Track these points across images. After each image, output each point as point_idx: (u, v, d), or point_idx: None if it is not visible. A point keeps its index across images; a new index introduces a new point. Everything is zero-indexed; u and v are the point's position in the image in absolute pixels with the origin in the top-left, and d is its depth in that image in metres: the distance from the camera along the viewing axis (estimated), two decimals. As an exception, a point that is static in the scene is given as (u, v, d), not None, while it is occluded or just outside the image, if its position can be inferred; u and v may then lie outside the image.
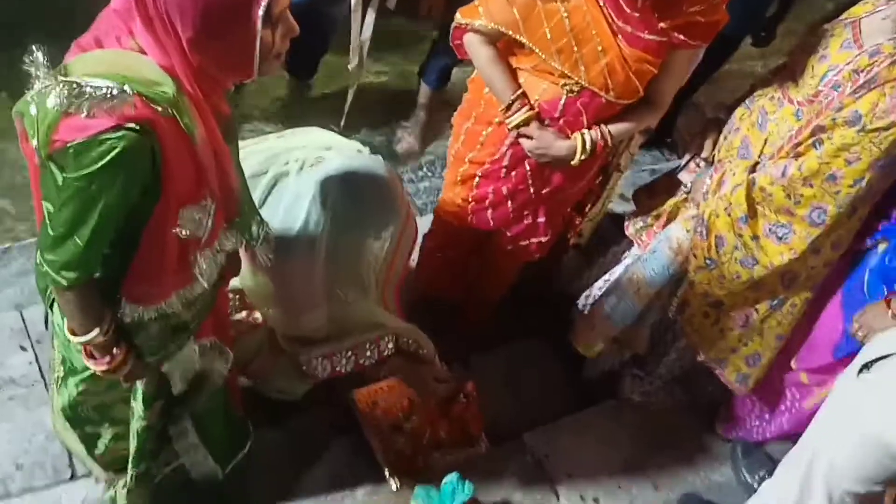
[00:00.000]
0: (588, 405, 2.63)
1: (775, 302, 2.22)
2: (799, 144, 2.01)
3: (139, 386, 1.80)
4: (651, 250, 2.36)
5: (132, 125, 1.33)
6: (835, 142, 1.91)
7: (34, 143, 1.39)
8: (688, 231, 2.26)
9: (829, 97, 1.94)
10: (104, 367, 1.64)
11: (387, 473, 2.33)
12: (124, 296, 1.59)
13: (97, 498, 2.18)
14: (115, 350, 1.64)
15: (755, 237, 2.12)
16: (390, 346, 2.23)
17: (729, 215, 2.14)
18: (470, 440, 2.46)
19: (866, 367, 1.61)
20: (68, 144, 1.33)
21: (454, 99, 3.83)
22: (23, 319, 2.57)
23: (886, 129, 1.86)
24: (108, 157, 1.33)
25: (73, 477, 2.26)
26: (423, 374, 2.33)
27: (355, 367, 2.23)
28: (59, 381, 1.91)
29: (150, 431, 1.91)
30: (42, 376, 2.42)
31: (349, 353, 2.22)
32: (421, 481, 2.24)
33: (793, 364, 2.32)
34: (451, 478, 2.16)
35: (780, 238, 2.08)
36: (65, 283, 1.48)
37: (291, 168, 2.06)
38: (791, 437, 2.42)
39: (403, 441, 2.37)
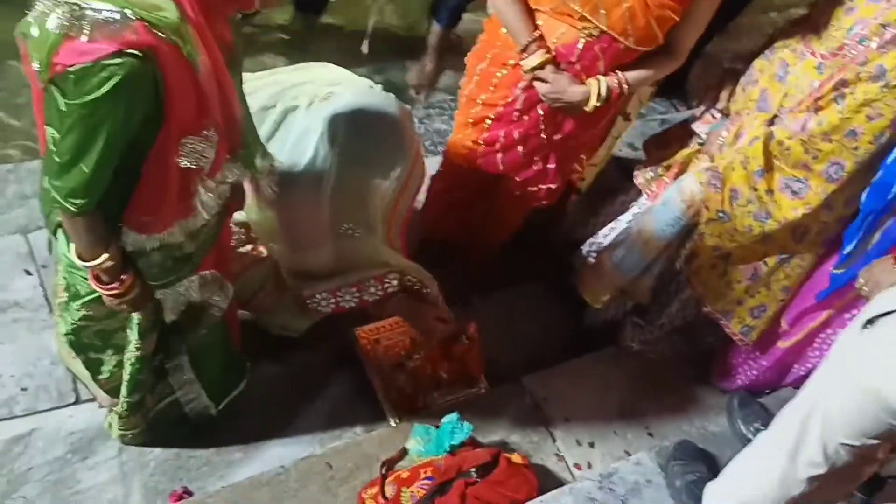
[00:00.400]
0: (588, 351, 2.65)
1: (785, 256, 2.22)
2: (820, 98, 1.98)
3: (134, 316, 1.81)
4: (662, 202, 2.34)
5: (134, 51, 1.32)
6: (857, 97, 1.88)
7: (35, 65, 1.37)
8: (701, 183, 2.24)
9: (855, 51, 1.90)
10: (113, 292, 1.65)
11: (386, 410, 2.36)
12: (126, 224, 1.60)
13: (99, 423, 2.21)
14: (123, 276, 1.65)
15: (770, 191, 2.10)
16: (394, 283, 2.24)
17: (745, 168, 2.13)
18: (470, 381, 2.48)
19: (870, 322, 1.61)
20: (69, 69, 1.32)
21: (465, 41, 3.82)
22: (28, 243, 2.57)
23: None
24: (110, 84, 1.32)
25: (76, 401, 2.28)
26: (426, 314, 2.33)
27: (359, 304, 2.23)
28: (62, 307, 1.92)
29: (144, 362, 1.93)
30: (47, 301, 2.42)
31: (353, 289, 2.21)
32: (420, 420, 2.26)
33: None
34: (450, 417, 2.18)
35: (794, 193, 2.07)
36: (73, 209, 1.48)
37: (301, 102, 2.03)
38: (772, 378, 2.50)
39: (404, 379, 2.39)
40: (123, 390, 1.99)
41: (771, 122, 2.11)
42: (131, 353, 1.90)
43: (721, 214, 2.21)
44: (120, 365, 2.00)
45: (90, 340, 1.96)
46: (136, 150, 1.47)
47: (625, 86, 2.22)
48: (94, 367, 2.04)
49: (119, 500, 2.08)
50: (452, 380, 2.46)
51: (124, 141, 1.43)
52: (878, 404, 1.57)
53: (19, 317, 2.41)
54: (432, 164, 2.83)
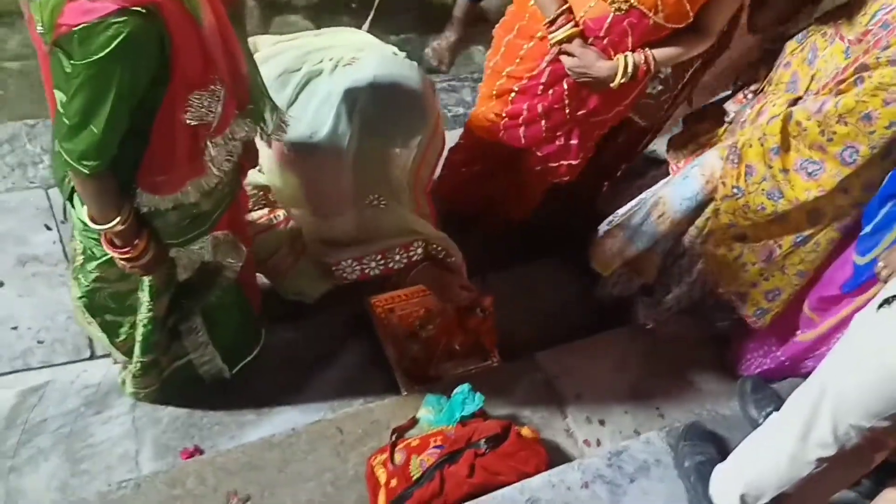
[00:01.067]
0: (602, 330, 2.64)
1: (799, 238, 2.19)
2: (842, 82, 1.96)
3: (146, 278, 1.82)
4: (683, 175, 2.33)
5: (138, 8, 1.32)
6: (874, 80, 1.87)
7: (39, 28, 1.37)
8: (721, 158, 2.23)
9: (878, 36, 1.89)
10: (125, 256, 1.66)
11: (398, 379, 2.37)
12: (140, 185, 1.60)
13: (114, 378, 2.23)
14: (136, 240, 1.65)
15: (784, 170, 2.09)
16: (419, 251, 2.24)
17: (762, 145, 2.11)
18: (482, 354, 2.49)
19: (887, 302, 1.60)
20: (74, 29, 1.32)
21: (490, 14, 3.79)
22: (48, 198, 2.59)
23: None
24: (116, 43, 1.32)
25: (92, 356, 2.31)
26: (450, 282, 2.33)
27: (384, 271, 2.24)
28: (77, 270, 1.93)
29: (156, 323, 1.95)
30: (65, 256, 2.44)
31: (378, 256, 2.22)
32: (431, 390, 2.27)
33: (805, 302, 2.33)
34: (462, 388, 2.18)
35: (809, 174, 2.05)
36: (86, 171, 1.48)
37: (325, 67, 2.02)
38: (786, 369, 2.48)
39: (417, 349, 2.40)
40: (136, 350, 2.01)
41: (794, 103, 2.09)
42: (143, 315, 1.92)
43: (736, 190, 2.19)
44: (134, 327, 2.01)
45: (104, 303, 1.97)
46: (144, 109, 1.47)
47: (652, 63, 2.19)
48: (110, 330, 2.05)
49: (130, 455, 2.10)
50: (465, 352, 2.47)
51: (133, 100, 1.43)
52: (893, 383, 1.56)
53: (38, 271, 2.43)
54: (451, 138, 2.84)
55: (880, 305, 1.62)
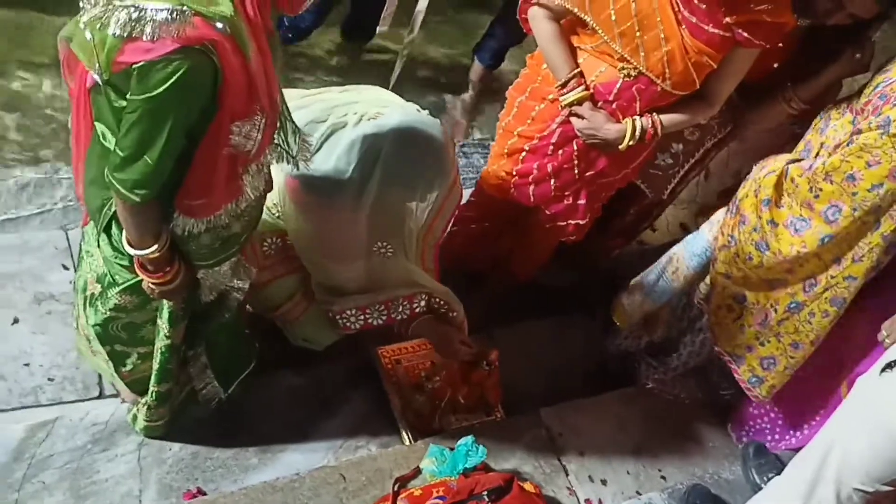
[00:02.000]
0: (606, 388, 2.66)
1: (793, 304, 2.22)
2: (839, 146, 2.04)
3: (166, 305, 1.87)
4: (694, 234, 2.39)
5: (195, 46, 1.39)
6: (860, 141, 1.94)
7: (95, 66, 1.44)
8: (726, 211, 2.29)
9: (875, 105, 1.96)
10: (158, 280, 1.71)
11: (402, 429, 2.38)
12: (177, 209, 1.66)
13: (121, 416, 2.25)
14: (168, 266, 1.71)
15: (772, 222, 2.14)
16: (422, 303, 2.27)
17: (756, 196, 2.17)
18: (486, 408, 2.50)
19: (889, 366, 1.63)
20: (133, 66, 1.39)
21: (504, 81, 3.90)
22: (67, 239, 2.65)
23: None
24: (175, 78, 1.40)
25: (100, 395, 2.34)
26: (451, 336, 2.36)
27: (387, 321, 2.27)
28: (93, 299, 1.97)
29: (174, 351, 1.99)
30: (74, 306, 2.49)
31: (381, 307, 2.26)
32: (435, 441, 2.28)
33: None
34: (466, 440, 2.20)
35: (796, 230, 2.10)
36: (138, 199, 1.55)
37: (350, 119, 2.09)
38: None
39: (423, 400, 2.42)
40: (154, 380, 2.04)
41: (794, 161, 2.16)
42: (162, 342, 1.96)
43: (730, 239, 2.25)
44: (144, 358, 2.05)
45: (117, 333, 2.01)
46: (190, 138, 1.54)
47: (659, 127, 2.26)
48: (118, 359, 2.08)
49: (134, 494, 2.11)
50: (469, 405, 2.48)
51: (185, 131, 1.50)
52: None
53: (53, 309, 2.47)
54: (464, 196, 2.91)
55: (883, 370, 1.65)
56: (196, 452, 2.22)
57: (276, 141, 1.77)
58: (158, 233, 1.66)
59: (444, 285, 2.38)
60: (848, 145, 1.98)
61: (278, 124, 1.75)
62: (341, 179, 2.02)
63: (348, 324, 2.28)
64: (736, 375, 2.43)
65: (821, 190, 2.02)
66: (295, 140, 1.84)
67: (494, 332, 2.72)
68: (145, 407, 2.15)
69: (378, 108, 2.11)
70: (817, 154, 2.14)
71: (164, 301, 1.86)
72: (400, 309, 2.28)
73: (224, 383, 2.22)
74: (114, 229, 1.74)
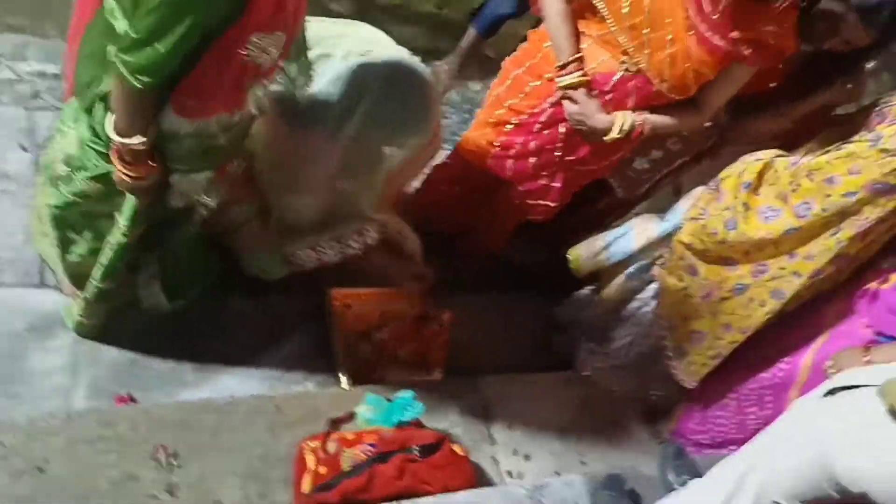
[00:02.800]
0: (547, 369, 2.70)
1: (739, 286, 2.28)
2: (829, 151, 2.13)
3: (131, 201, 1.83)
4: (675, 205, 2.46)
5: None
6: (849, 148, 2.03)
7: None
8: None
9: (871, 122, 2.07)
10: (132, 174, 1.67)
11: (341, 373, 2.38)
12: (171, 104, 1.62)
13: (59, 310, 2.19)
14: (147, 160, 1.67)
15: (746, 205, 2.21)
16: (374, 234, 2.25)
17: (739, 178, 2.24)
18: (427, 367, 2.52)
19: (832, 392, 1.70)
20: None
21: (495, 51, 3.88)
22: (29, 119, 2.55)
23: (893, 153, 1.97)
24: None
25: (41, 284, 2.27)
26: (401, 267, 2.37)
27: (341, 258, 2.26)
28: (57, 180, 1.92)
29: (126, 250, 1.94)
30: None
31: (333, 242, 2.23)
32: (373, 390, 2.28)
33: None
34: (405, 393, 2.20)
35: (766, 218, 2.18)
36: (139, 85, 1.51)
37: (336, 53, 2.04)
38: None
39: (368, 349, 2.42)
40: (97, 275, 1.99)
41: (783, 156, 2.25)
42: (116, 239, 1.91)
43: (702, 211, 2.31)
44: (93, 251, 2.01)
45: (74, 219, 1.97)
46: (206, 38, 1.50)
47: (647, 127, 2.29)
48: (66, 246, 2.04)
49: (64, 389, 2.07)
50: (412, 361, 2.50)
51: (203, 29, 1.46)
52: (821, 471, 1.65)
53: (6, 188, 2.39)
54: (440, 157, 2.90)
55: (825, 394, 1.72)
56: (133, 360, 2.19)
57: (283, 66, 1.74)
58: (147, 125, 1.62)
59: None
60: (836, 149, 2.06)
61: (293, 47, 1.72)
62: (322, 110, 1.98)
63: (301, 262, 2.25)
64: (665, 344, 2.50)
65: (799, 185, 2.11)
66: (299, 74, 1.81)
67: (450, 295, 2.73)
68: (83, 301, 2.09)
69: (369, 45, 2.07)
70: (805, 154, 2.22)
71: (130, 197, 1.82)
72: (352, 244, 2.25)
73: (170, 296, 2.18)
74: (98, 111, 1.69)
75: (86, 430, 1.87)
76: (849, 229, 2.10)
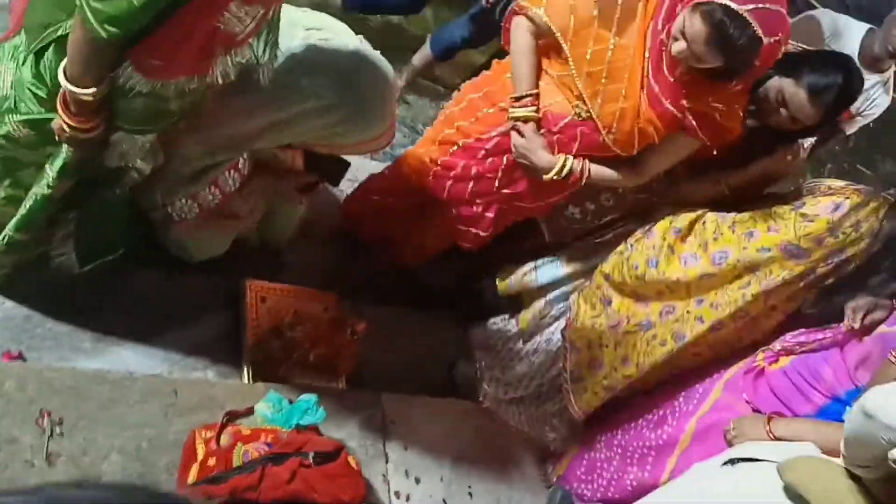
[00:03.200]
0: (448, 394, 2.70)
1: (645, 322, 2.39)
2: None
3: (63, 153, 1.74)
4: None
5: None
6: (773, 208, 2.21)
7: None
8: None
9: (800, 194, 2.29)
10: (77, 125, 1.60)
11: (245, 365, 2.32)
12: (130, 59, 1.55)
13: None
14: (91, 115, 1.60)
15: (671, 248, 2.34)
16: (248, 163, 2.17)
17: (670, 223, 2.37)
18: (332, 374, 2.47)
19: (731, 462, 1.76)
20: None
21: (442, 77, 3.91)
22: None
23: (811, 219, 2.15)
24: None
25: (-55, 222, 2.12)
26: (287, 182, 2.32)
27: (224, 198, 2.17)
28: None
29: (49, 203, 1.85)
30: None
31: (211, 187, 2.14)
32: (277, 388, 2.23)
33: None
34: (309, 397, 2.16)
35: (685, 263, 2.31)
36: (104, 35, 1.44)
37: (297, 32, 1.95)
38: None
39: (276, 346, 2.36)
40: (14, 224, 1.89)
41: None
42: (41, 190, 1.81)
43: (629, 247, 2.42)
44: (10, 200, 1.91)
45: None
46: None
47: (586, 174, 2.33)
48: None
49: (-52, 335, 1.94)
50: (317, 366, 2.44)
51: None
52: None
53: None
54: (372, 167, 2.90)
55: (724, 463, 1.78)
56: (30, 316, 2.07)
57: (251, 42, 1.70)
58: (102, 77, 1.55)
59: (330, 245, 2.32)
60: (763, 208, 2.22)
61: (266, 24, 1.68)
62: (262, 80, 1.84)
63: (183, 214, 2.16)
64: (564, 366, 2.56)
65: (721, 234, 2.26)
66: (266, 51, 1.77)
67: (362, 306, 2.70)
68: None
69: (331, 32, 2.00)
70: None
71: (62, 149, 1.73)
72: (230, 181, 2.16)
73: (81, 259, 2.08)
74: (49, 55, 1.60)
75: (-32, 382, 1.75)
76: (756, 285, 2.23)
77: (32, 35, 1.63)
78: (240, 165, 2.16)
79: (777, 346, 2.26)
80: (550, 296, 2.62)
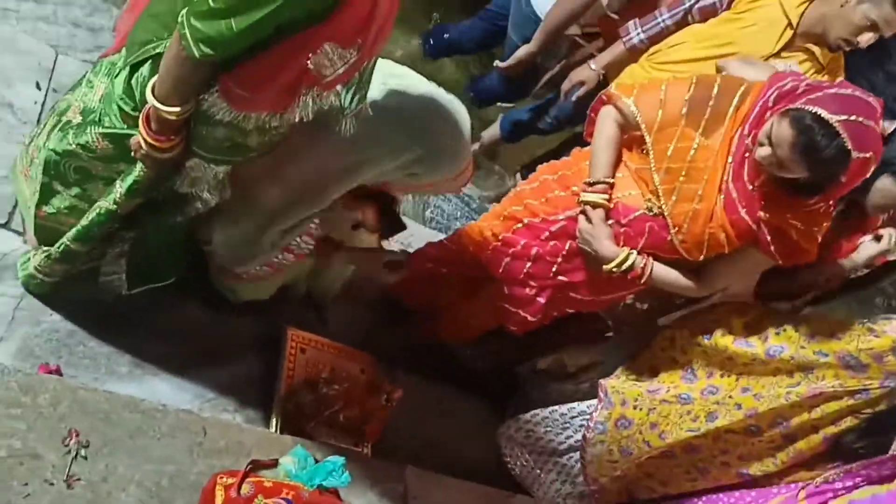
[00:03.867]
0: (481, 480, 2.61)
1: (684, 396, 2.35)
2: None
3: (135, 171, 1.75)
4: None
5: None
6: (843, 319, 2.19)
7: None
8: None
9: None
10: (155, 142, 1.61)
11: (274, 415, 2.27)
12: (219, 85, 1.56)
13: (17, 257, 2.06)
14: (172, 135, 1.61)
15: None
16: (318, 223, 2.17)
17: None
18: (358, 438, 2.41)
19: None
20: None
21: (500, 160, 3.92)
22: (55, 62, 2.46)
23: (877, 334, 2.08)
24: None
25: (6, 225, 2.14)
26: (372, 257, 2.33)
27: (298, 259, 2.20)
28: (67, 126, 1.84)
29: (111, 219, 1.85)
30: (39, 122, 2.30)
31: (284, 252, 2.16)
32: (304, 444, 2.17)
33: None
34: (336, 460, 2.08)
35: (736, 343, 2.30)
36: (198, 54, 1.45)
37: (374, 79, 1.93)
38: None
39: (309, 400, 2.30)
40: (72, 234, 1.89)
41: None
42: (106, 204, 1.82)
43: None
44: (72, 211, 1.92)
45: (66, 170, 1.86)
46: (279, 31, 1.46)
47: (647, 273, 2.26)
48: (46, 195, 1.92)
49: (-8, 338, 1.92)
50: (345, 427, 2.38)
51: (281, 21, 1.43)
52: None
53: (4, 118, 2.27)
54: (428, 236, 2.88)
55: None
56: (73, 332, 2.05)
57: (340, 90, 1.71)
58: (188, 98, 1.56)
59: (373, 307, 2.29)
60: (830, 312, 2.22)
61: (357, 76, 1.69)
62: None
63: (260, 274, 2.18)
64: (592, 416, 2.49)
65: (784, 330, 2.21)
66: (353, 103, 1.78)
67: (396, 372, 2.65)
68: (44, 255, 1.97)
69: (407, 79, 2.03)
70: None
71: (136, 167, 1.74)
72: (302, 245, 2.17)
73: (130, 281, 2.07)
74: (143, 70, 1.63)
75: (5, 388, 1.70)
76: (805, 387, 2.15)
77: (131, 52, 1.66)
78: (312, 233, 2.16)
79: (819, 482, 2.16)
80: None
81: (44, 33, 2.50)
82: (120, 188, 1.80)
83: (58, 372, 1.96)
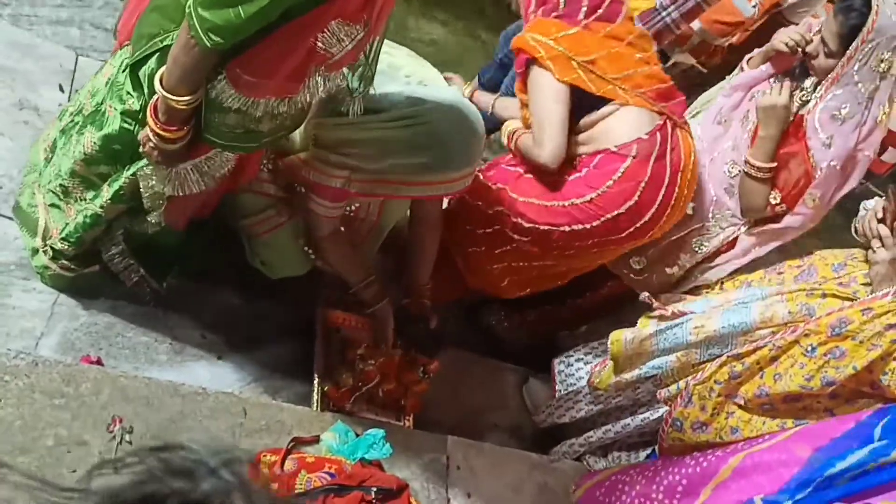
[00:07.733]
0: (522, 446, 2.62)
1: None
2: None
3: (121, 179, 1.81)
4: (741, 302, 2.32)
5: None
6: None
7: None
8: (791, 313, 2.20)
9: None
10: (164, 132, 1.62)
11: (314, 395, 2.30)
12: (226, 72, 1.57)
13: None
14: (181, 124, 1.63)
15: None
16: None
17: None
18: (398, 412, 2.43)
19: None
20: None
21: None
22: (76, 63, 2.50)
23: None
24: None
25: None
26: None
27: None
28: (80, 125, 1.90)
29: (97, 221, 1.90)
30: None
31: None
32: (344, 420, 2.20)
33: None
34: (376, 432, 2.12)
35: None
36: (208, 44, 1.46)
37: (398, 74, 2.03)
38: None
39: (347, 376, 2.32)
40: (62, 232, 1.97)
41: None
42: (92, 207, 1.88)
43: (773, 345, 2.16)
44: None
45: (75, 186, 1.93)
46: (286, 15, 1.47)
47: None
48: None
49: (35, 334, 1.97)
50: (385, 402, 2.40)
51: (289, 2, 1.43)
52: None
53: (31, 121, 2.32)
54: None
55: None
56: (112, 324, 2.10)
57: (346, 71, 1.71)
58: (197, 86, 1.57)
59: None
60: None
61: (364, 54, 1.69)
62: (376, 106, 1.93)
63: None
64: (671, 411, 2.36)
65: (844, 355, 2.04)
66: (360, 84, 1.78)
67: (449, 348, 2.65)
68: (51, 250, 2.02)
69: (429, 82, 2.08)
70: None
71: (121, 174, 1.80)
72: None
73: (156, 275, 2.10)
74: (151, 63, 1.65)
75: (48, 380, 1.76)
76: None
77: (139, 45, 1.67)
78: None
79: None
80: (649, 365, 2.45)
81: (62, 36, 2.54)
82: (106, 191, 1.85)
83: (99, 363, 2.01)
